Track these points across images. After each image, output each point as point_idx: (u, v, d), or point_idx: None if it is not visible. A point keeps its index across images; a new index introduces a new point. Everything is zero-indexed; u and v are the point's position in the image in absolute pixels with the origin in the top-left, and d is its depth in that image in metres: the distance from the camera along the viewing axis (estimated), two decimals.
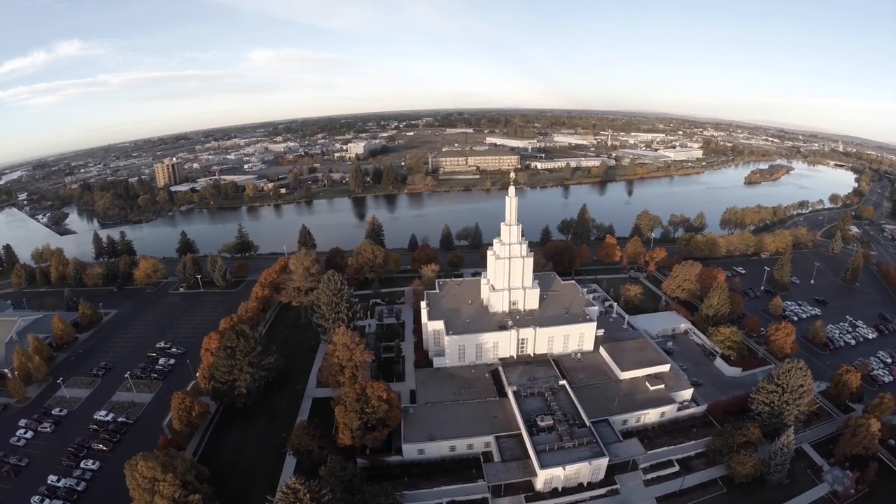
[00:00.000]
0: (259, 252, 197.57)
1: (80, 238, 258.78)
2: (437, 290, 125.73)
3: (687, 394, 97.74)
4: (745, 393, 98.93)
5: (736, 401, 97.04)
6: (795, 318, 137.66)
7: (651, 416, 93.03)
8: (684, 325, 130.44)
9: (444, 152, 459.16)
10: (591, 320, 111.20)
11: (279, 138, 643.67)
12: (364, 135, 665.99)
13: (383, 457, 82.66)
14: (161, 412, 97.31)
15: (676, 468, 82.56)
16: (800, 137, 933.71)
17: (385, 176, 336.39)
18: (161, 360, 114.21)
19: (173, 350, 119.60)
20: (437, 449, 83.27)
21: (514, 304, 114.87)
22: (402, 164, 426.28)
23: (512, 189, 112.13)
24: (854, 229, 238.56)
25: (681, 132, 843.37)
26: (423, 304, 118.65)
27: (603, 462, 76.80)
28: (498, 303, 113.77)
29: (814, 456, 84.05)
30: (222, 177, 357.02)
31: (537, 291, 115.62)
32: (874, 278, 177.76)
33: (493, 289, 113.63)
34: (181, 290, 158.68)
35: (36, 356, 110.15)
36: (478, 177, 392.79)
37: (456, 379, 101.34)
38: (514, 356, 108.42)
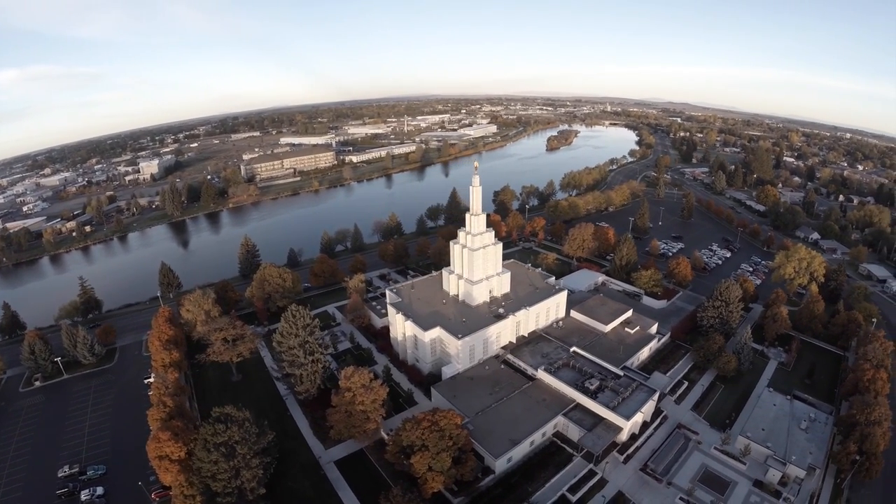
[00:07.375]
0: (109, 309, 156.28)
1: None
2: (399, 298, 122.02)
3: (654, 328, 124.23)
4: (685, 316, 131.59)
5: (684, 323, 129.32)
6: (669, 254, 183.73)
7: (645, 352, 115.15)
8: (601, 277, 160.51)
9: (254, 158, 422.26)
10: (562, 290, 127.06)
11: (47, 170, 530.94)
12: (143, 153, 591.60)
13: (476, 484, 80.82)
14: None
15: (686, 384, 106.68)
16: (567, 103, 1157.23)
17: (204, 192, 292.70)
18: (84, 494, 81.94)
19: (90, 473, 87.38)
20: (522, 450, 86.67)
21: (490, 292, 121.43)
22: (209, 175, 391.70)
23: (476, 178, 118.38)
24: (666, 176, 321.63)
25: (464, 111, 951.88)
26: (398, 316, 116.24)
27: (656, 396, 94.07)
28: (480, 294, 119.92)
29: (754, 345, 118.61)
30: (6, 225, 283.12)
31: (508, 275, 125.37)
32: (701, 212, 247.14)
33: (472, 281, 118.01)
34: (37, 383, 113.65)
35: None
36: (299, 179, 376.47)
37: (478, 381, 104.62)
38: (514, 341, 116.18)
